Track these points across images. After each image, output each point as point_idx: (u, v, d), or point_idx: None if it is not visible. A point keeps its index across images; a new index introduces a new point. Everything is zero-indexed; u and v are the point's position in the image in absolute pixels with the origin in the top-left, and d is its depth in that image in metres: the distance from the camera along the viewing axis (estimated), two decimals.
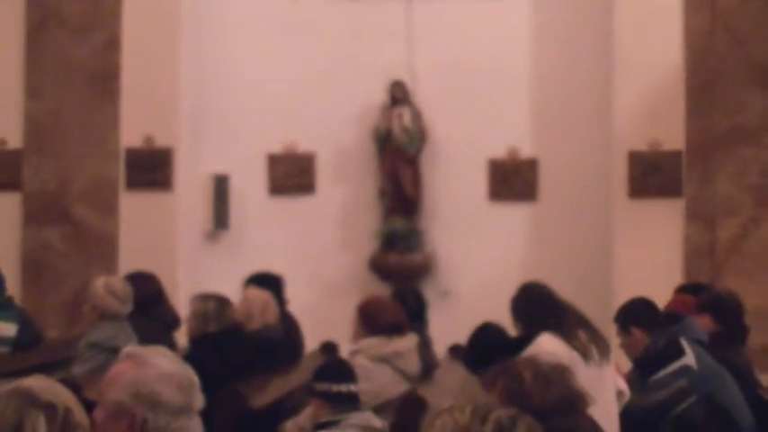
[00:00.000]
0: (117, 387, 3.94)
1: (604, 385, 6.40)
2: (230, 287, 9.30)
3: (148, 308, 9.30)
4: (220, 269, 11.60)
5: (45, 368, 8.83)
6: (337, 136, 13.23)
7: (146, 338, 7.31)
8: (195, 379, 4.09)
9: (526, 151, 13.06)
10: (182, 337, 9.23)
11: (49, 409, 2.95)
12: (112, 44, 12.53)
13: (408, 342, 8.23)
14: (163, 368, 4.02)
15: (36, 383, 3.02)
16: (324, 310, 11.69)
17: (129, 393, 3.92)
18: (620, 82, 11.95)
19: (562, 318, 7.02)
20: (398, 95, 12.96)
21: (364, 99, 13.03)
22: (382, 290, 11.24)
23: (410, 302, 9.01)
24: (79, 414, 3.02)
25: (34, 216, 12.63)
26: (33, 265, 12.50)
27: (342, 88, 13.02)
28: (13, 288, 10.91)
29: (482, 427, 3.22)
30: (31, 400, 2.95)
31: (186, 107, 12.58)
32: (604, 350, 6.91)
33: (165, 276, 10.21)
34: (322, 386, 6.54)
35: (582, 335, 6.89)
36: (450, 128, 13.05)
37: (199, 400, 4.07)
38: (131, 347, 4.28)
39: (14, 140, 12.83)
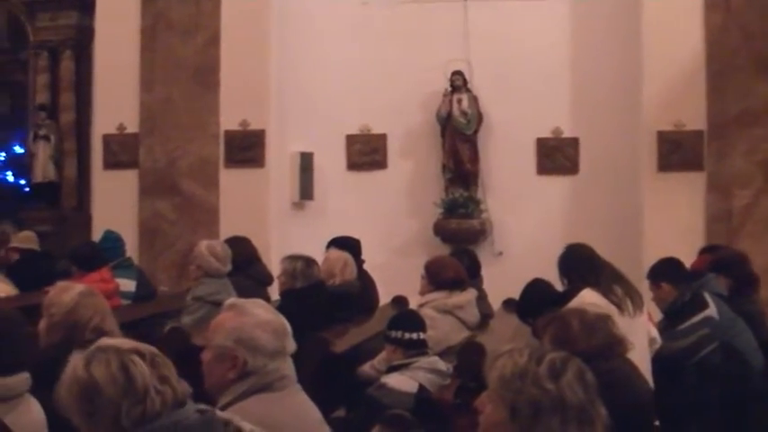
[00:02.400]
0: (221, 333, 3.94)
1: (638, 333, 6.32)
2: (314, 249, 9.28)
3: (245, 267, 9.35)
4: (306, 234, 11.57)
5: (159, 317, 8.91)
6: (405, 119, 13.19)
7: (243, 294, 7.30)
8: (288, 326, 4.08)
9: (568, 131, 12.94)
10: (273, 292, 9.26)
11: (138, 353, 2.93)
12: (213, 42, 12.54)
13: (468, 296, 8.20)
14: (260, 317, 4.02)
15: (111, 340, 3.02)
16: (394, 268, 11.64)
17: (231, 338, 3.92)
18: (649, 71, 11.80)
19: (601, 274, 6.95)
20: (458, 83, 12.88)
21: (428, 87, 12.96)
22: (444, 251, 11.18)
23: (465, 261, 8.97)
24: (153, 350, 3.02)
25: (148, 190, 12.70)
26: (148, 232, 12.57)
27: (409, 78, 12.97)
28: (132, 251, 11.03)
29: (537, 368, 3.18)
30: (122, 351, 2.93)
31: (276, 95, 12.56)
32: (638, 303, 6.83)
33: (258, 240, 10.26)
34: (395, 333, 6.53)
35: (618, 289, 6.82)
36: (503, 111, 12.95)
37: (291, 345, 4.06)
38: (233, 299, 4.28)
39: (132, 126, 12.92)
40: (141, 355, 2.92)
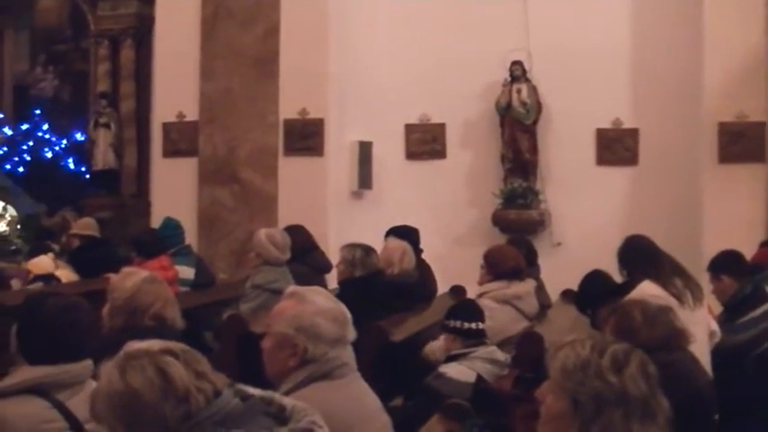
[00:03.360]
0: (282, 320, 3.95)
1: (698, 326, 6.27)
2: (372, 238, 9.29)
3: (303, 255, 9.38)
4: (364, 223, 11.59)
5: (217, 305, 8.96)
6: (464, 109, 13.15)
7: (301, 282, 7.32)
8: (348, 314, 4.08)
9: (628, 122, 12.83)
10: (332, 280, 9.27)
11: (170, 353, 2.91)
12: (272, 32, 12.57)
13: (527, 286, 8.17)
14: (321, 305, 4.03)
15: (138, 344, 2.98)
16: (452, 258, 11.64)
17: (292, 326, 3.93)
18: (710, 62, 11.68)
19: (661, 266, 6.90)
20: (517, 73, 12.83)
21: (487, 77, 12.92)
22: (503, 242, 11.12)
23: (522, 251, 8.93)
24: (184, 347, 2.99)
25: (208, 178, 12.77)
26: (207, 219, 12.64)
27: (468, 68, 12.93)
28: (191, 238, 11.10)
29: (600, 360, 3.16)
30: (153, 354, 2.90)
31: (335, 84, 12.57)
32: (698, 295, 6.78)
33: (317, 229, 10.30)
34: (454, 323, 6.52)
35: (678, 282, 6.77)
36: (562, 101, 12.88)
37: (351, 333, 4.07)
38: (294, 287, 4.29)
39: (192, 114, 13.00)
40: (173, 354, 2.86)
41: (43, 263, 10.39)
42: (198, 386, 2.83)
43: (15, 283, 10.13)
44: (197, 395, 2.81)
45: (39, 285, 9.62)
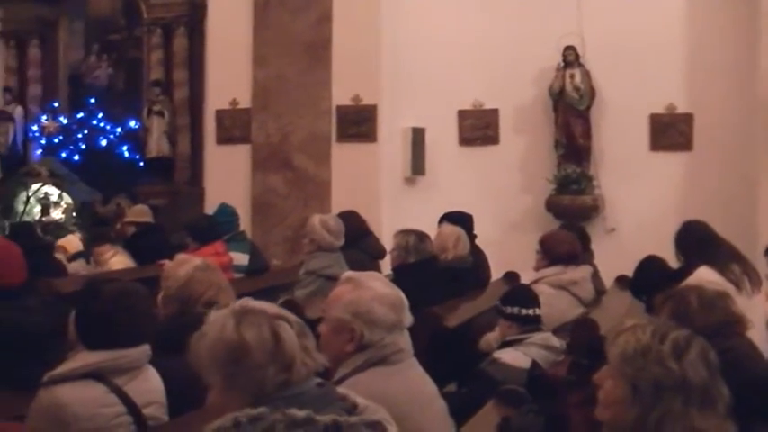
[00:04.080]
0: (339, 306, 3.96)
1: (755, 312, 6.21)
2: (425, 224, 9.25)
3: (357, 241, 9.38)
4: (417, 209, 11.55)
5: (271, 291, 8.98)
6: (518, 94, 13.06)
7: (355, 267, 7.30)
8: (404, 299, 4.08)
9: (682, 107, 12.70)
10: (385, 266, 9.26)
11: (286, 320, 2.92)
12: (324, 18, 12.57)
13: (583, 271, 8.14)
14: (377, 290, 4.03)
15: (255, 303, 3.00)
16: (506, 244, 11.58)
17: (348, 311, 3.94)
18: (766, 46, 11.55)
19: (718, 252, 6.85)
20: (570, 58, 12.74)
21: (541, 62, 12.83)
22: (556, 228, 11.03)
23: (576, 237, 8.87)
24: (293, 318, 3.00)
25: (261, 164, 12.80)
26: (260, 206, 12.68)
27: (522, 53, 12.83)
28: (244, 225, 11.14)
29: (661, 346, 3.13)
30: (270, 316, 2.91)
31: (387, 70, 12.56)
32: (755, 281, 6.73)
33: (370, 215, 10.30)
34: (510, 309, 6.49)
35: (735, 267, 6.72)
36: (616, 86, 12.76)
37: (407, 318, 4.07)
38: (350, 273, 4.30)
39: (244, 101, 13.04)
40: (288, 321, 2.92)
41: (73, 242, 10.55)
42: (303, 359, 2.86)
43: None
44: (300, 367, 2.85)
45: (80, 263, 9.73)
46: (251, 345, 2.86)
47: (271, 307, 2.97)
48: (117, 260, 9.97)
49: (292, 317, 2.97)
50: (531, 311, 6.49)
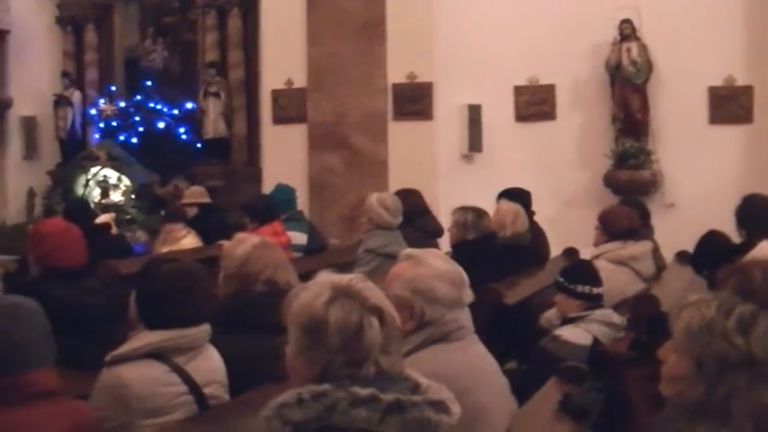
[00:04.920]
0: (399, 283, 3.94)
1: None
2: (483, 201, 9.22)
3: (415, 219, 9.37)
4: (475, 186, 11.50)
5: (330, 270, 8.99)
6: (574, 69, 12.92)
7: (413, 245, 7.29)
8: (465, 276, 4.06)
9: (741, 79, 12.52)
10: (443, 244, 9.25)
11: (380, 312, 2.86)
12: None
13: (643, 246, 8.06)
14: (437, 267, 4.01)
15: (363, 286, 2.92)
16: (564, 220, 11.51)
17: (408, 289, 3.92)
18: None
19: None
20: (627, 32, 12.59)
21: (597, 36, 12.69)
22: (614, 203, 10.95)
23: (635, 212, 8.78)
24: (393, 314, 2.94)
25: (317, 143, 12.84)
26: (318, 185, 12.73)
27: (577, 28, 12.70)
28: (302, 204, 11.18)
29: (726, 321, 3.07)
30: (366, 304, 2.85)
31: (443, 47, 12.54)
32: None
33: (427, 192, 10.28)
34: (570, 285, 6.43)
35: None
36: (674, 60, 12.60)
37: (468, 295, 4.05)
38: (410, 250, 4.28)
39: (300, 81, 13.10)
40: (382, 319, 2.85)
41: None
42: (377, 360, 2.82)
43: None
44: (369, 368, 2.80)
45: None
46: (330, 326, 2.82)
47: (375, 296, 2.90)
48: (188, 240, 10.05)
49: (390, 314, 2.91)
50: (593, 289, 6.43)
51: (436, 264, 4.02)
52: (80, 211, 9.85)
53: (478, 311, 4.31)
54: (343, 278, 2.94)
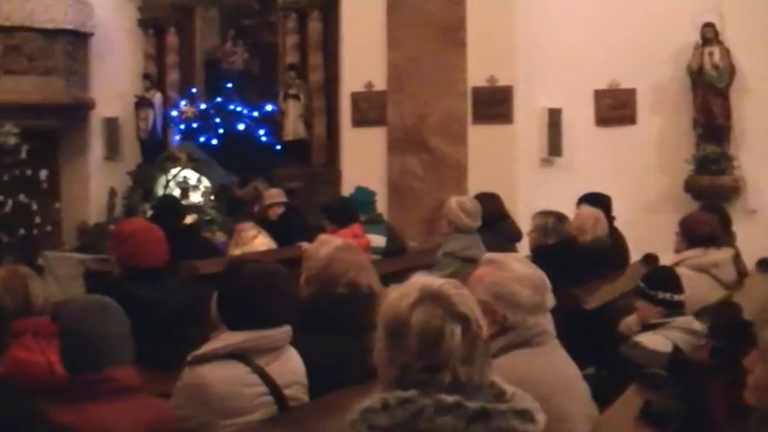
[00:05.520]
0: (480, 288, 3.92)
1: None
2: (563, 206, 9.17)
3: (494, 223, 9.35)
4: (554, 190, 11.46)
5: (408, 273, 8.98)
6: (655, 73, 12.80)
7: (492, 249, 7.27)
8: (547, 281, 4.04)
9: None
10: (521, 249, 9.22)
11: (465, 321, 2.82)
12: (458, 0, 12.55)
13: (725, 253, 7.98)
14: (519, 271, 3.99)
15: (454, 292, 2.88)
16: (644, 225, 11.38)
17: (490, 293, 3.91)
18: None
19: None
20: (709, 36, 12.46)
21: (679, 40, 12.56)
22: (695, 209, 10.85)
23: (716, 218, 8.70)
24: (481, 323, 2.91)
25: (397, 146, 12.87)
26: (397, 188, 12.75)
27: (659, 31, 12.58)
28: (381, 207, 11.19)
29: None
30: (451, 311, 2.82)
31: (523, 50, 12.51)
32: None
33: (506, 196, 10.25)
34: (651, 292, 6.38)
35: None
36: (757, 64, 12.44)
37: (550, 300, 4.03)
38: (491, 254, 4.27)
39: (379, 84, 13.13)
40: (467, 327, 2.81)
41: None
42: (456, 369, 2.78)
43: None
44: (446, 376, 2.77)
45: None
46: (411, 329, 2.79)
47: (464, 304, 2.86)
48: (260, 241, 10.10)
49: (477, 323, 2.88)
50: (675, 297, 6.38)
51: (518, 268, 4.01)
52: (168, 210, 9.94)
53: (558, 316, 4.29)
54: (436, 282, 2.91)
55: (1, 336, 3.30)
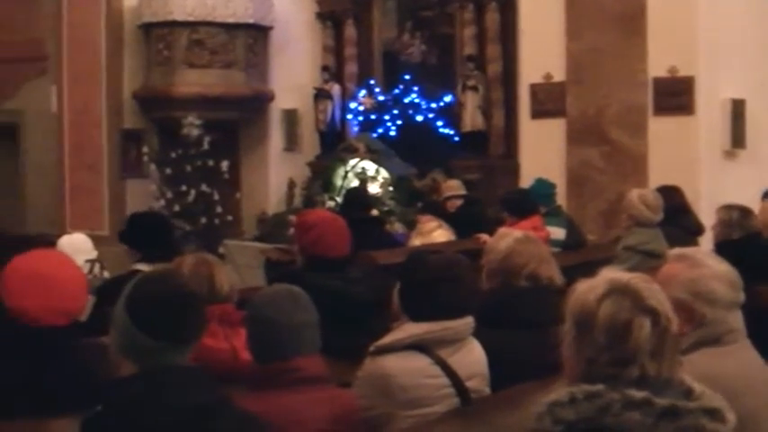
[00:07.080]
0: (676, 285, 3.78)
1: None
2: (747, 199, 8.92)
3: (675, 217, 9.16)
4: (737, 183, 11.18)
5: (588, 266, 8.86)
6: None
7: (673, 243, 7.12)
8: (739, 277, 3.92)
9: None
10: (703, 243, 9.00)
11: (654, 314, 2.76)
12: None
13: None
14: (715, 268, 3.88)
15: (644, 285, 2.82)
16: None
17: (687, 291, 3.78)
18: None
19: None
20: None
21: None
22: None
23: None
24: (671, 318, 2.84)
25: (576, 138, 12.74)
26: (576, 180, 12.63)
27: None
28: (560, 199, 11.10)
29: None
30: (640, 304, 2.76)
31: (705, 40, 12.19)
32: None
33: (688, 189, 10.06)
34: None
35: None
36: None
37: (742, 297, 3.91)
38: (680, 250, 4.16)
39: (558, 75, 13.03)
40: (656, 321, 2.75)
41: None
42: (644, 364, 2.73)
43: None
44: (633, 370, 2.73)
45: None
46: (599, 321, 2.75)
47: (657, 298, 2.80)
48: (440, 233, 10.11)
49: (667, 319, 2.81)
50: None
51: (714, 264, 3.89)
52: (356, 200, 10.04)
53: (745, 314, 4.15)
54: (624, 275, 2.86)
55: (198, 323, 3.35)
